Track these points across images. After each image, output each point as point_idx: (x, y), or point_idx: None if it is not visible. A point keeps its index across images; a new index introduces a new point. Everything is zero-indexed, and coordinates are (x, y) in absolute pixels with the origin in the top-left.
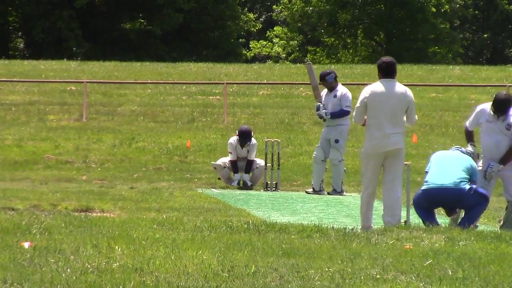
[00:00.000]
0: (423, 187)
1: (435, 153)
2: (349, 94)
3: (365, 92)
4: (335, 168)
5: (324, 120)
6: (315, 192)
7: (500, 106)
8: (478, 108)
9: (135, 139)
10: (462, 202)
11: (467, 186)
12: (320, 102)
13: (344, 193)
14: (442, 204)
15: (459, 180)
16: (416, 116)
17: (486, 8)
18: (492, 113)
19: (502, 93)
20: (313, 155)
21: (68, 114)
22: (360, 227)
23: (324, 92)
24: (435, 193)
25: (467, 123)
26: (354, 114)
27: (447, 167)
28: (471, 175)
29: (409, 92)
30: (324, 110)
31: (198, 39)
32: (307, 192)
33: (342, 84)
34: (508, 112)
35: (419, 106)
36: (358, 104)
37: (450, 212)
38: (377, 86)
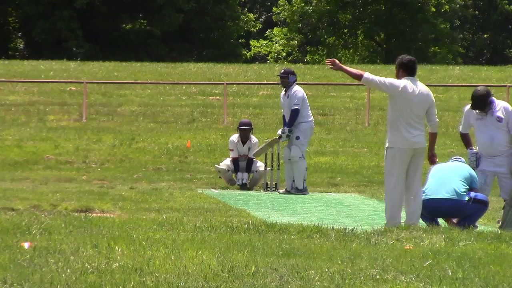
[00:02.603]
0: (422, 198)
1: (434, 166)
2: (300, 93)
3: (399, 82)
4: (295, 165)
5: (289, 136)
6: (287, 192)
7: (479, 101)
8: (465, 109)
9: (135, 139)
10: (461, 213)
11: (466, 198)
12: (276, 137)
13: (308, 192)
14: (441, 215)
15: (457, 191)
16: (437, 119)
17: (486, 8)
18: (475, 111)
19: (478, 89)
20: (283, 155)
21: (68, 115)
22: (360, 227)
23: (281, 94)
24: (434, 205)
25: (460, 127)
26: (378, 78)
27: (445, 178)
28: (471, 183)
29: (430, 92)
30: (283, 130)
31: (198, 39)
32: (279, 193)
33: (343, 85)
34: (492, 106)
35: None
36: (389, 80)
37: (449, 220)
38: (408, 83)
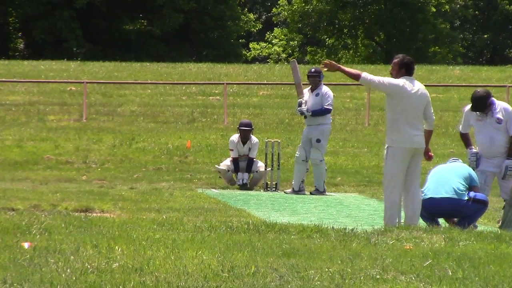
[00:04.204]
0: (421, 198)
1: (434, 168)
2: (331, 93)
3: (398, 81)
4: (317, 168)
5: (305, 117)
6: (294, 192)
7: (478, 103)
8: (465, 109)
9: (135, 139)
10: (461, 212)
11: (466, 197)
12: (302, 99)
13: (326, 193)
14: (440, 215)
15: (457, 190)
16: (434, 116)
17: (487, 8)
18: (475, 112)
19: (477, 91)
20: (296, 155)
21: (68, 115)
22: (360, 227)
23: (305, 91)
24: (434, 205)
25: (460, 127)
26: (376, 77)
27: (444, 178)
28: (470, 182)
29: (426, 90)
30: (305, 107)
31: (198, 40)
32: (285, 193)
33: (343, 85)
34: (492, 107)
35: None
36: (388, 79)
37: (449, 220)
38: (406, 83)
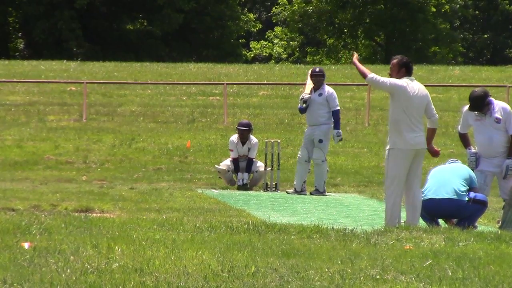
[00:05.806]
0: (422, 198)
1: (434, 168)
2: (335, 93)
3: (401, 82)
4: (318, 168)
5: (341, 139)
6: (296, 192)
7: (476, 102)
8: (464, 109)
9: (135, 139)
10: (461, 213)
11: (466, 198)
12: (305, 95)
13: (326, 193)
14: (441, 215)
15: (457, 191)
16: (436, 114)
17: (487, 8)
18: (474, 112)
19: (475, 91)
20: (298, 155)
21: (68, 115)
22: (360, 227)
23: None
24: (434, 205)
25: (459, 127)
26: (382, 78)
27: (445, 179)
28: (470, 183)
29: (426, 90)
30: (338, 133)
31: (198, 40)
32: (287, 193)
33: (343, 85)
34: (491, 107)
35: None
36: (392, 80)
37: (448, 221)
38: (409, 83)
